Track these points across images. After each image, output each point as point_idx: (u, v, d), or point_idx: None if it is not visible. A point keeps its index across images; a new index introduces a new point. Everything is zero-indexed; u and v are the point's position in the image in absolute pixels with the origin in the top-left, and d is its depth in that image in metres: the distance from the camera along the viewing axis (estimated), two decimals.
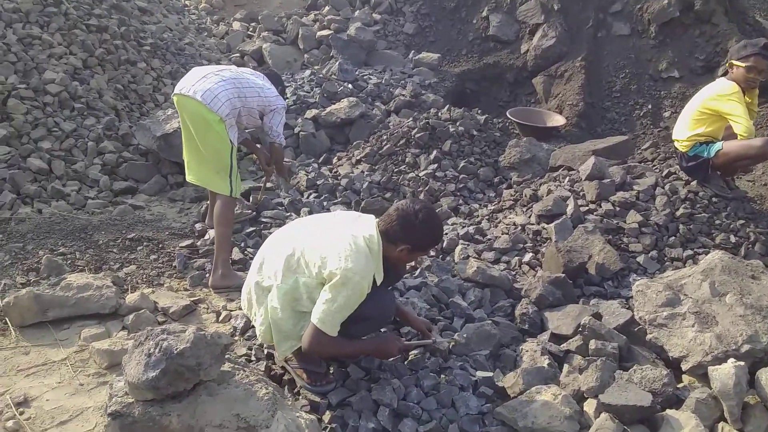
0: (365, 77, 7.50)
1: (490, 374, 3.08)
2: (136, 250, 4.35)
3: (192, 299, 3.68)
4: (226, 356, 2.67)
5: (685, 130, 4.72)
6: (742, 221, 4.38)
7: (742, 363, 2.86)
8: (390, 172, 5.47)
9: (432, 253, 4.35)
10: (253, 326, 3.14)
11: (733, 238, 4.22)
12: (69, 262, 4.06)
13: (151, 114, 6.24)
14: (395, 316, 3.19)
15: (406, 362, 3.09)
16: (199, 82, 3.87)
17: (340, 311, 2.61)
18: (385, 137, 5.89)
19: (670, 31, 7.50)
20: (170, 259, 4.23)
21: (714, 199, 4.52)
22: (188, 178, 4.16)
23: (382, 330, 3.25)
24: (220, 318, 3.52)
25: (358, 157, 5.75)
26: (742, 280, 3.33)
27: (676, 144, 4.83)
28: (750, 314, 3.12)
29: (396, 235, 2.77)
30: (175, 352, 2.23)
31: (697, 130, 4.61)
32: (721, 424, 2.75)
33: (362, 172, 5.48)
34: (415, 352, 3.17)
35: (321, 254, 2.68)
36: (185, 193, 5.37)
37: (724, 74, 4.71)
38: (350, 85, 7.13)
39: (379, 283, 2.75)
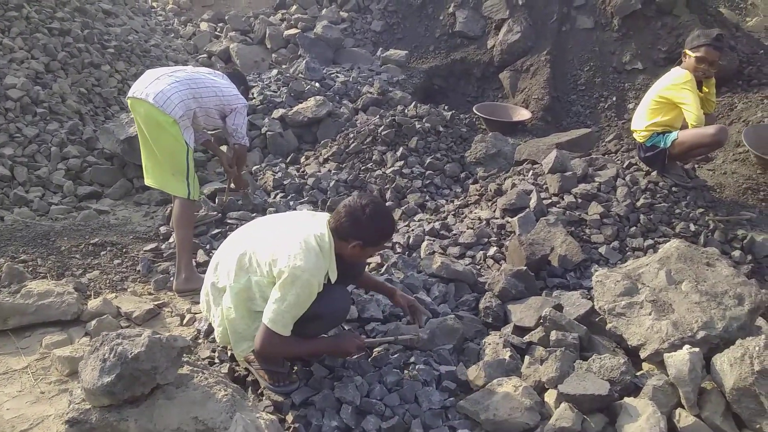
0: (333, 75, 7.50)
1: (453, 368, 3.12)
2: (99, 255, 4.31)
3: (156, 303, 3.66)
4: (186, 359, 2.67)
5: (642, 120, 4.80)
6: (701, 210, 4.47)
7: (697, 349, 2.93)
8: (357, 170, 5.48)
9: (398, 249, 4.39)
10: None
11: (692, 227, 4.31)
12: (30, 269, 4.01)
13: (116, 117, 6.18)
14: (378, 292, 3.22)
15: (369, 359, 3.11)
16: (151, 85, 3.82)
17: (291, 310, 2.62)
18: (352, 135, 5.90)
19: (632, 24, 7.60)
20: (134, 263, 4.20)
21: (674, 189, 4.60)
22: (146, 181, 4.11)
23: (346, 328, 3.27)
24: (185, 321, 3.51)
25: (325, 156, 5.76)
26: (697, 267, 3.40)
27: (634, 135, 4.91)
28: (705, 301, 3.19)
29: (346, 231, 2.77)
30: (130, 356, 2.23)
31: (654, 120, 4.69)
32: (678, 410, 2.80)
33: (329, 170, 5.48)
34: (378, 348, 3.20)
35: (272, 253, 2.68)
36: (151, 196, 5.34)
37: (679, 63, 4.78)
38: (317, 84, 7.13)
39: (333, 280, 2.76)
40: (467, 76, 8.14)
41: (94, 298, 3.65)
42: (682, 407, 2.81)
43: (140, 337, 2.32)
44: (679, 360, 2.86)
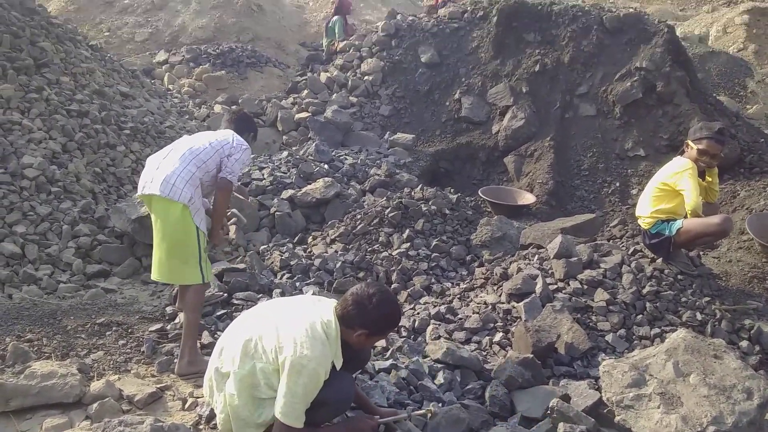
0: (341, 158, 7.68)
1: None
2: (104, 335, 4.30)
3: (159, 386, 3.62)
4: None
5: (646, 206, 4.87)
6: (707, 298, 4.47)
7: None
8: (363, 251, 5.53)
9: (404, 333, 4.37)
10: None
11: (699, 316, 4.29)
12: (36, 348, 4.00)
13: (128, 197, 6.31)
14: (358, 406, 3.17)
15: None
16: (155, 176, 3.81)
17: (301, 401, 2.61)
18: (359, 216, 5.98)
19: (634, 112, 7.82)
20: (139, 344, 4.19)
21: (680, 277, 4.61)
22: (154, 276, 3.98)
23: (349, 414, 3.22)
24: (186, 405, 3.46)
25: (332, 237, 5.82)
26: (705, 359, 3.37)
27: (639, 221, 4.97)
28: (714, 394, 3.16)
29: (352, 319, 2.79)
30: None
31: (658, 207, 4.76)
32: None
33: (336, 251, 5.53)
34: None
35: (278, 340, 2.69)
36: None
37: (681, 153, 4.90)
38: (326, 166, 7.29)
39: (338, 368, 2.75)
40: (473, 159, 8.32)
41: (97, 380, 3.62)
42: None
43: (142, 425, 2.32)
44: None
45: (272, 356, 2.68)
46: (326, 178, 6.73)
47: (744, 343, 4.12)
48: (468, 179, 8.16)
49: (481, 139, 8.37)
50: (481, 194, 6.92)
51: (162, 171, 3.82)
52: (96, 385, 3.52)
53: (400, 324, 4.42)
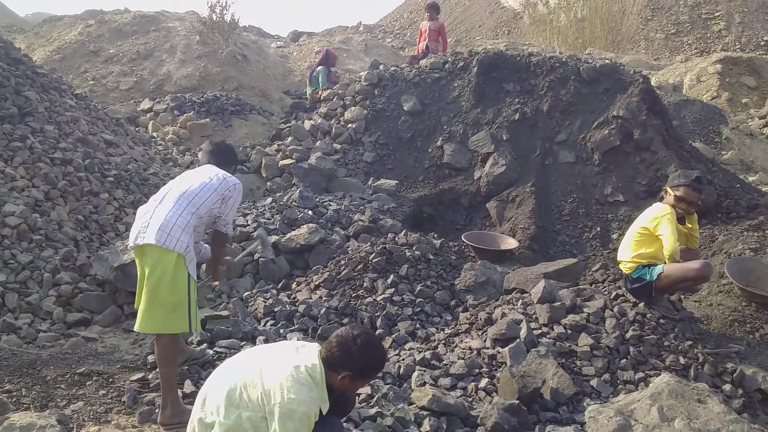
0: (325, 203, 7.72)
1: None
2: (85, 385, 4.22)
3: None
4: None
5: (627, 251, 4.95)
6: (690, 342, 4.51)
7: None
8: (348, 297, 5.53)
9: (389, 380, 4.35)
10: None
11: (682, 360, 4.33)
12: (14, 399, 3.91)
13: (111, 244, 6.27)
14: None
15: None
16: (149, 225, 3.76)
17: None
18: (343, 262, 5.99)
19: (612, 159, 7.98)
20: (120, 393, 4.12)
21: (662, 321, 4.66)
22: (138, 328, 3.84)
23: None
24: None
25: (316, 283, 5.81)
26: (689, 404, 3.40)
27: (620, 266, 5.05)
28: None
29: (337, 362, 2.79)
30: None
31: (638, 252, 4.84)
32: None
33: (320, 297, 5.52)
34: None
35: (263, 387, 2.67)
36: None
37: (661, 198, 5.02)
38: (310, 212, 7.32)
39: (324, 412, 2.73)
40: (455, 205, 8.41)
41: (78, 431, 3.55)
42: None
43: None
44: None
45: (258, 404, 2.66)
46: (310, 224, 6.75)
47: (727, 387, 4.15)
48: (451, 224, 8.23)
49: (464, 185, 8.47)
50: (464, 239, 6.97)
51: (156, 219, 3.76)
52: None
53: (384, 369, 4.42)
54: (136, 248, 3.87)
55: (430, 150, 9.08)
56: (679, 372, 4.17)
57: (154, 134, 10.78)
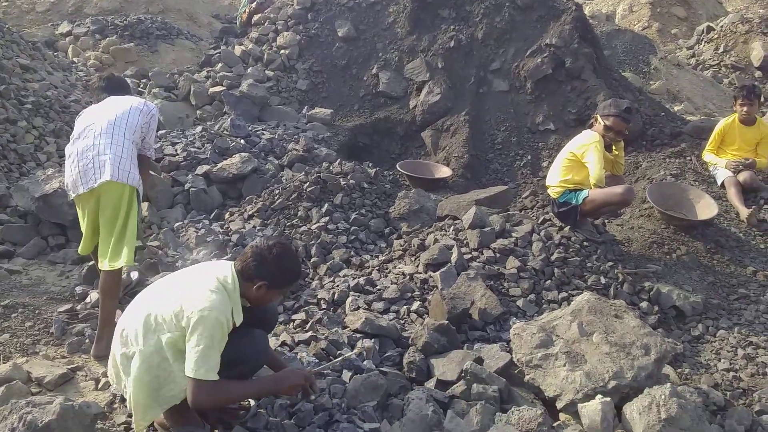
0: (258, 132, 7.55)
1: (377, 425, 3.12)
2: (10, 318, 4.11)
3: (69, 367, 3.51)
4: (100, 426, 2.57)
5: (555, 177, 5.08)
6: (611, 263, 4.72)
7: (609, 399, 3.07)
8: (282, 226, 5.49)
9: (323, 306, 4.40)
10: None
11: (603, 280, 4.54)
12: None
13: (31, 174, 5.97)
14: (271, 369, 3.17)
15: (292, 419, 3.06)
16: (97, 162, 3.73)
17: (209, 352, 2.56)
18: (277, 192, 5.92)
19: (544, 87, 8.06)
20: (47, 325, 4.03)
21: (585, 243, 4.85)
22: (113, 265, 3.75)
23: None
24: (100, 385, 3.37)
25: (250, 212, 5.74)
26: (607, 319, 3.58)
27: (548, 190, 5.18)
28: (615, 352, 3.36)
29: (252, 272, 2.79)
30: (41, 425, 2.15)
31: (566, 177, 4.98)
32: None
33: (254, 227, 5.47)
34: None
35: (176, 305, 2.64)
36: (66, 255, 5.14)
37: (590, 125, 5.12)
38: (243, 141, 7.15)
39: (238, 323, 2.74)
40: (391, 134, 8.38)
41: (4, 363, 3.47)
42: None
43: (51, 405, 2.24)
44: (592, 410, 2.99)
45: (174, 323, 2.62)
46: (243, 154, 6.60)
47: (644, 304, 4.40)
48: (386, 153, 8.22)
49: (399, 114, 8.42)
50: (399, 168, 6.99)
51: (103, 156, 3.74)
52: (2, 369, 3.37)
53: (319, 296, 4.47)
54: (87, 194, 3.77)
55: (365, 78, 8.94)
56: (599, 291, 4.39)
57: (75, 59, 10.18)
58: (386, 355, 3.73)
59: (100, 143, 3.81)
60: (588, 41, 8.39)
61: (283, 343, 3.71)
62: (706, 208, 5.26)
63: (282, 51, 9.60)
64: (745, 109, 6.06)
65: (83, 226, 3.92)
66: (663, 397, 2.95)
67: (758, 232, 5.32)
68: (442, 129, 7.97)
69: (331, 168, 6.29)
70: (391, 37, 9.15)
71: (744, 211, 5.41)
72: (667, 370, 3.69)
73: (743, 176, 5.79)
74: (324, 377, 3.34)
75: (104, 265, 3.77)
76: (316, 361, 3.55)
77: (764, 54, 12.05)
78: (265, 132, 7.58)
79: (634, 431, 2.92)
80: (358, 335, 3.84)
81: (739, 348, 4.03)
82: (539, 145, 7.65)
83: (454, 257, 4.63)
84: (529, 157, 7.52)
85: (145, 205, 5.72)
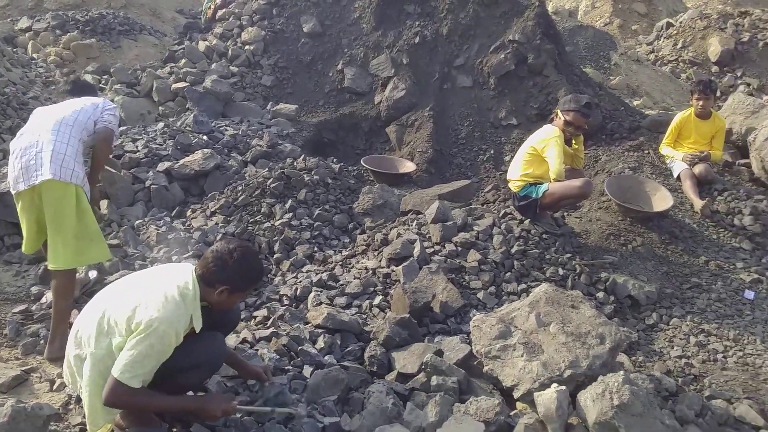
0: (221, 129, 7.49)
1: (338, 419, 3.14)
2: None
3: (23, 368, 3.45)
4: (54, 427, 2.54)
5: (516, 171, 5.15)
6: (569, 255, 4.81)
7: (564, 387, 3.13)
8: (245, 222, 5.47)
9: (285, 302, 4.40)
10: None
11: (561, 271, 4.62)
12: None
13: None
14: (230, 366, 3.16)
15: (251, 416, 3.07)
16: (39, 160, 3.66)
17: (142, 361, 2.50)
18: (240, 188, 5.89)
19: (507, 83, 8.15)
20: (1, 326, 3.95)
21: (544, 236, 4.93)
22: (55, 265, 3.69)
23: (229, 384, 3.22)
24: (55, 386, 3.33)
25: (212, 209, 5.71)
26: (563, 310, 3.65)
27: (509, 184, 5.25)
28: (571, 341, 3.43)
29: (213, 277, 2.75)
30: None
31: (527, 171, 5.05)
32: None
33: (216, 224, 5.44)
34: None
35: (130, 309, 2.59)
36: (22, 255, 5.03)
37: (551, 120, 5.20)
38: (205, 137, 7.09)
39: (198, 329, 2.70)
40: (356, 129, 8.39)
41: None
42: None
43: (2, 407, 2.21)
44: (547, 398, 3.05)
45: (125, 327, 2.57)
46: (205, 150, 6.55)
47: (600, 294, 4.50)
48: (351, 149, 8.23)
49: (364, 110, 8.44)
50: (363, 163, 7.00)
51: (46, 153, 3.67)
52: None
53: (282, 292, 4.47)
54: (28, 191, 3.69)
55: (330, 74, 8.93)
56: (557, 282, 4.47)
57: (35, 55, 9.95)
58: (348, 349, 3.75)
59: (45, 140, 3.75)
60: (550, 37, 8.50)
61: (244, 340, 3.70)
62: (661, 200, 5.39)
63: (247, 46, 9.53)
64: (700, 103, 6.21)
65: (24, 223, 3.83)
66: (616, 384, 3.02)
67: (711, 223, 5.47)
68: (406, 124, 8.01)
69: (295, 164, 6.28)
70: (357, 32, 9.15)
71: (698, 203, 5.55)
72: (622, 358, 3.78)
73: (698, 169, 5.94)
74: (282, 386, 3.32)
75: (50, 264, 3.72)
76: (277, 357, 3.56)
77: (721, 49, 12.33)
78: (228, 128, 7.53)
79: (588, 418, 2.98)
80: (320, 330, 3.86)
81: (692, 335, 4.16)
82: (502, 139, 7.73)
83: (416, 251, 4.68)
84: (491, 152, 7.61)
85: (104, 203, 5.65)
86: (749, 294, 4.58)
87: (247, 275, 2.83)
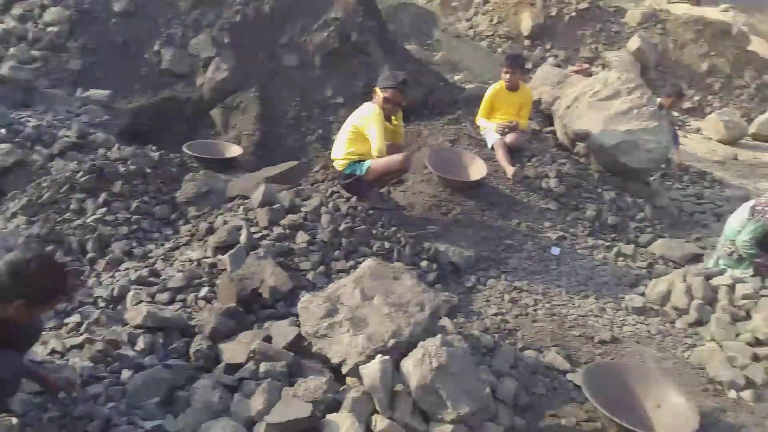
0: (22, 120, 6.78)
1: (161, 422, 2.99)
2: None
3: None
4: None
5: (340, 150, 5.20)
6: (394, 228, 4.95)
7: (387, 357, 3.21)
8: (52, 222, 5.01)
9: (101, 304, 4.11)
10: None
11: (387, 244, 4.74)
12: None
13: None
14: (33, 382, 2.90)
15: (62, 431, 2.83)
16: None
17: None
18: (45, 184, 5.39)
19: (332, 61, 8.18)
20: None
21: (371, 212, 5.02)
22: None
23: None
24: None
25: (14, 210, 5.17)
26: (386, 282, 3.74)
27: (334, 163, 5.28)
28: (393, 312, 3.52)
29: (6, 291, 2.49)
30: None
31: (350, 150, 5.12)
32: (374, 416, 3.05)
33: (18, 226, 4.93)
34: None
35: None
36: None
37: (371, 98, 5.28)
38: (3, 130, 6.38)
39: None
40: (178, 114, 7.98)
41: None
42: (377, 413, 3.06)
43: None
44: (372, 370, 3.12)
45: None
46: (3, 145, 5.91)
47: (424, 263, 4.68)
48: (174, 135, 7.80)
49: (186, 93, 8.05)
50: (185, 149, 6.70)
51: None
52: None
53: (96, 293, 4.17)
54: None
55: (146, 56, 8.41)
56: (384, 256, 4.58)
57: None
58: (172, 347, 3.58)
59: None
60: (372, 15, 8.64)
61: (53, 351, 3.40)
62: (478, 170, 5.71)
63: (50, 28, 8.67)
64: (508, 76, 6.63)
65: None
66: (434, 347, 3.16)
67: (522, 187, 5.90)
68: (231, 106, 7.77)
69: (108, 154, 5.86)
70: (174, 12, 8.70)
71: (510, 170, 5.95)
72: (445, 321, 3.97)
73: (510, 138, 6.36)
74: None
75: None
76: (92, 365, 3.31)
77: (532, 24, 13.27)
78: (30, 119, 6.84)
79: (411, 383, 3.09)
80: (140, 330, 3.64)
81: (506, 293, 4.47)
82: (330, 119, 7.77)
83: (243, 238, 4.55)
84: (320, 131, 7.62)
85: None
86: (555, 250, 5.01)
87: (47, 286, 2.59)
